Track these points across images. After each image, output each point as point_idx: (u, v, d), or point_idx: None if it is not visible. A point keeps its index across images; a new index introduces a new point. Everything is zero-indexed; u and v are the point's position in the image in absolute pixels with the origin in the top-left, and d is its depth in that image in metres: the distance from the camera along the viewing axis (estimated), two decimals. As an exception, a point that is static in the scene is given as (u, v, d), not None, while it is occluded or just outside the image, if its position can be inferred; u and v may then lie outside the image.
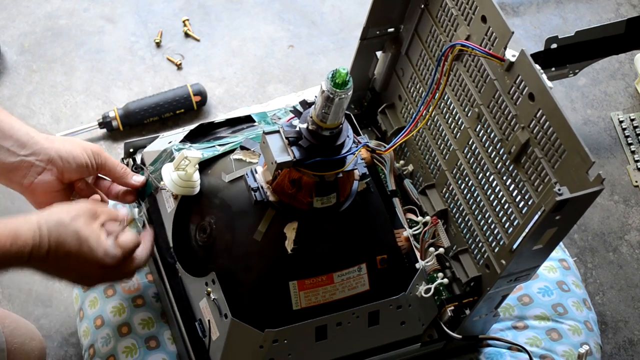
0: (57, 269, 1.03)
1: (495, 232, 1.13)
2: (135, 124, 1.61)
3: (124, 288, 1.31)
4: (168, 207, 1.17)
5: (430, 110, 1.18)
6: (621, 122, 1.72)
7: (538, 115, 1.02)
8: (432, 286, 1.16)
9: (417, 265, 1.19)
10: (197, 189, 1.17)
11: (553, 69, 1.58)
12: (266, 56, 1.76)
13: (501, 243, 1.12)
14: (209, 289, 1.12)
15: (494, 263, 1.12)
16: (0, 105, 1.62)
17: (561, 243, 1.47)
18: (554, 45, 1.53)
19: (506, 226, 1.11)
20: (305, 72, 1.73)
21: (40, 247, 0.98)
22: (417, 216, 1.28)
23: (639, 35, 1.57)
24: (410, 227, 1.26)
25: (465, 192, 1.19)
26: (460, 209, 1.21)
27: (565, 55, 1.56)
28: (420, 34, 1.23)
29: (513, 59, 1.04)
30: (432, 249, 1.23)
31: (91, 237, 1.03)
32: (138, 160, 1.26)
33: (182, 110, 1.62)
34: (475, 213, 1.18)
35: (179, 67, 1.71)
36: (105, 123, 1.59)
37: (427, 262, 1.20)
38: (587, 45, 1.55)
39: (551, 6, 1.90)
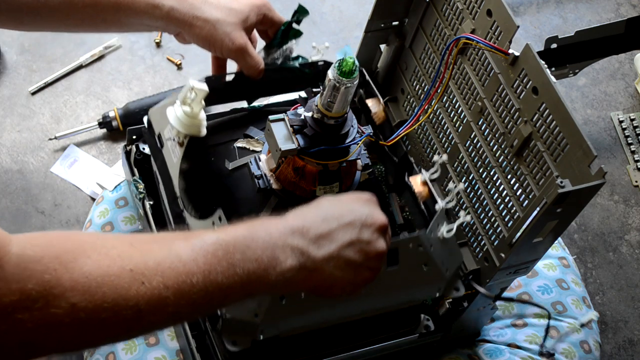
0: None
1: (495, 225, 1.13)
2: (135, 124, 1.61)
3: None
4: (174, 156, 1.15)
5: (433, 103, 1.19)
6: (621, 122, 1.72)
7: (541, 109, 1.02)
8: (455, 225, 1.06)
9: (437, 206, 1.10)
10: (204, 130, 1.14)
11: (553, 68, 1.58)
12: (266, 56, 1.76)
13: (501, 236, 1.12)
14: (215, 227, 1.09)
15: (493, 256, 1.12)
16: (0, 105, 1.62)
17: (561, 241, 1.47)
18: (554, 45, 1.53)
19: (506, 219, 1.11)
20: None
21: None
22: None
23: (639, 35, 1.58)
24: (410, 223, 1.27)
25: (466, 185, 1.19)
26: (461, 201, 1.21)
27: (565, 55, 1.56)
28: (425, 27, 1.23)
29: (517, 54, 1.05)
30: (451, 184, 1.21)
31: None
32: (145, 122, 1.23)
33: (182, 109, 1.62)
34: (476, 206, 1.18)
35: (179, 67, 1.71)
36: (105, 123, 1.59)
37: (448, 201, 1.11)
38: (587, 45, 1.56)
39: (551, 6, 1.90)
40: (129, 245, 0.79)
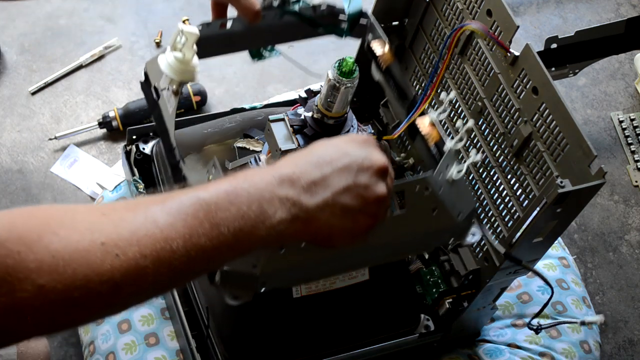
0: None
1: (495, 225, 1.13)
2: (135, 124, 1.61)
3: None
4: (170, 106, 1.10)
5: (439, 91, 1.16)
6: (621, 122, 1.72)
7: (541, 109, 1.02)
8: (464, 166, 0.98)
9: (446, 147, 1.03)
10: (197, 76, 1.06)
11: (553, 69, 1.58)
12: (266, 56, 1.76)
13: (501, 236, 1.12)
14: (209, 177, 1.05)
15: (493, 256, 1.12)
16: (0, 105, 1.62)
17: (561, 241, 1.47)
18: (554, 45, 1.53)
19: (506, 219, 1.11)
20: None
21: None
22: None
23: (639, 35, 1.58)
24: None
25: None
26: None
27: (565, 55, 1.56)
28: (425, 27, 1.23)
29: (517, 54, 1.04)
30: (459, 122, 1.16)
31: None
32: (141, 73, 1.19)
33: (182, 110, 1.62)
34: (476, 206, 1.18)
35: (179, 67, 1.71)
36: (105, 123, 1.59)
37: (457, 141, 1.03)
38: (587, 45, 1.56)
39: (551, 6, 1.90)
40: (100, 215, 0.74)
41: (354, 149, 0.86)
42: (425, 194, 0.96)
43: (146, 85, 1.12)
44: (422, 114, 1.14)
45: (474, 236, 1.05)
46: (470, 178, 1.18)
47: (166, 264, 0.73)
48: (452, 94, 1.10)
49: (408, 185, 0.95)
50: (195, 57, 1.04)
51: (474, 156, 1.02)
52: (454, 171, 0.98)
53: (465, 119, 1.15)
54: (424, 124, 1.12)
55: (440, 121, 1.14)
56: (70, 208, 0.74)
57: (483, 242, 1.15)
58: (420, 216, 0.98)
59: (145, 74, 1.12)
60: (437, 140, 1.12)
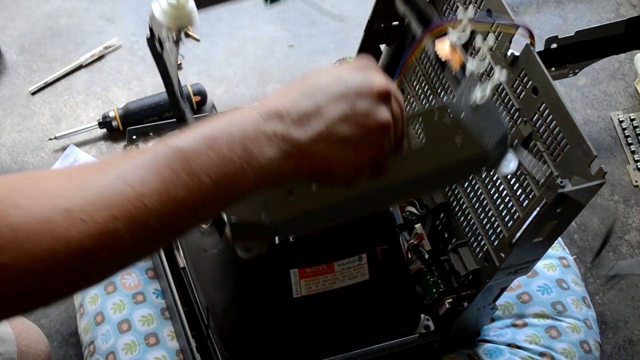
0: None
1: (495, 225, 1.13)
2: (135, 124, 1.61)
3: (124, 285, 1.31)
4: (172, 57, 1.06)
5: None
6: (621, 122, 1.72)
7: (541, 109, 1.02)
8: (488, 87, 0.90)
9: (467, 70, 0.96)
10: (196, 21, 1.01)
11: (553, 69, 1.58)
12: (266, 56, 1.76)
13: (501, 236, 1.12)
14: None
15: (493, 256, 1.12)
16: (0, 105, 1.62)
17: (561, 241, 1.47)
18: (554, 45, 1.53)
19: (506, 219, 1.11)
20: (305, 72, 1.73)
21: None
22: (417, 209, 1.28)
23: (639, 35, 1.58)
24: (410, 223, 1.27)
25: (465, 185, 1.19)
26: (461, 202, 1.21)
27: (565, 55, 1.56)
28: (425, 27, 1.23)
29: (517, 54, 1.04)
30: (479, 39, 1.07)
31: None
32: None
33: (182, 109, 1.62)
34: (476, 206, 1.18)
35: (179, 67, 1.71)
36: (105, 123, 1.59)
37: (479, 60, 0.96)
38: (587, 45, 1.56)
39: (551, 6, 1.90)
40: (65, 179, 0.67)
41: (351, 74, 0.79)
42: (446, 123, 0.88)
43: (151, 39, 1.07)
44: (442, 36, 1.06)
45: (510, 164, 0.96)
46: (470, 178, 1.18)
47: (142, 224, 0.67)
48: (470, 10, 1.00)
49: (426, 114, 0.90)
50: (191, 2, 0.98)
51: (499, 74, 0.93)
52: (478, 95, 0.91)
53: (487, 37, 1.06)
54: (444, 48, 1.05)
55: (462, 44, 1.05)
56: (33, 175, 0.68)
57: (483, 241, 1.16)
58: (443, 147, 0.89)
59: (150, 29, 1.07)
60: (461, 64, 1.05)
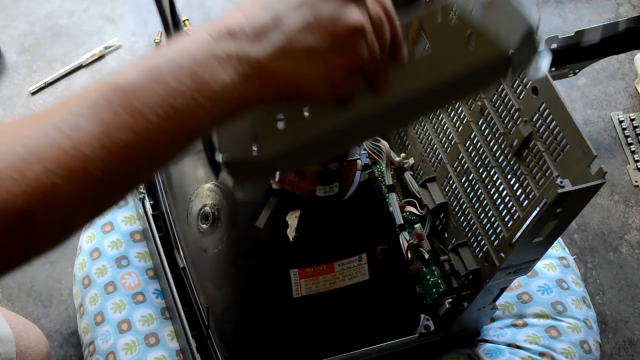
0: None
1: (495, 225, 1.13)
2: (135, 123, 1.61)
3: (124, 285, 1.31)
4: None
5: None
6: (621, 122, 1.72)
7: (541, 109, 1.02)
8: None
9: None
10: None
11: (553, 69, 1.58)
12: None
13: (501, 236, 1.11)
14: None
15: (493, 256, 1.12)
16: (0, 105, 1.62)
17: (561, 241, 1.47)
18: (554, 45, 1.53)
19: (506, 219, 1.11)
20: None
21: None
22: (417, 209, 1.28)
23: (639, 35, 1.58)
24: (410, 223, 1.27)
25: (465, 185, 1.19)
26: (461, 202, 1.21)
27: (565, 55, 1.56)
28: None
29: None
30: None
31: None
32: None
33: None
34: (476, 206, 1.18)
35: None
36: (105, 122, 1.59)
37: None
38: (587, 45, 1.56)
39: (551, 6, 1.90)
40: None
41: None
42: (452, 24, 0.78)
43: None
44: None
45: (542, 63, 0.80)
46: (470, 178, 1.18)
47: (86, 175, 0.60)
48: None
49: (426, 17, 0.79)
50: None
51: None
52: None
53: None
54: None
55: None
56: None
57: (483, 241, 1.15)
58: (453, 53, 0.77)
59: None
60: None
